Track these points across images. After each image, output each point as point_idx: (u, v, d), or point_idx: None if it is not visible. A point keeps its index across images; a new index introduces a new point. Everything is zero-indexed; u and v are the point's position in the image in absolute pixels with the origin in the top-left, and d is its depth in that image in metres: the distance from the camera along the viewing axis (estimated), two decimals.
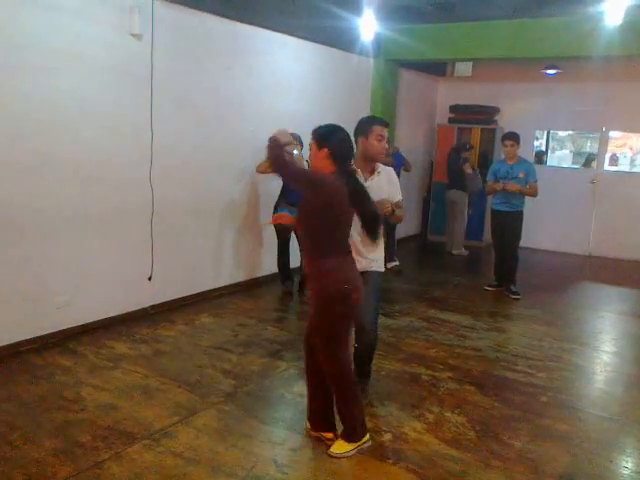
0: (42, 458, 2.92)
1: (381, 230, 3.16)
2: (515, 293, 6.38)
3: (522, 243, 6.56)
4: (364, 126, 3.52)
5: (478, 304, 6.12)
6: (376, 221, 3.04)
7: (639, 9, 5.87)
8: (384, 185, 3.57)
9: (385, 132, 3.51)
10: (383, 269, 3.69)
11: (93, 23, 4.39)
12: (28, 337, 4.25)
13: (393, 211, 3.46)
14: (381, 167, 3.62)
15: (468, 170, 8.39)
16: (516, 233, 6.39)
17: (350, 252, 3.09)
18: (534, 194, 6.23)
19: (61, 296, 4.44)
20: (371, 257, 3.56)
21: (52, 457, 2.93)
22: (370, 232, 3.03)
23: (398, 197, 3.64)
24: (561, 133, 9.88)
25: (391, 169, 3.72)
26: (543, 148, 9.70)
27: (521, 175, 6.21)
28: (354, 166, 3.28)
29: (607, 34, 6.03)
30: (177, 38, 5.09)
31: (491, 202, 6.69)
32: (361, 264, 3.43)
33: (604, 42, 6.17)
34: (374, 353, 3.80)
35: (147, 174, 4.93)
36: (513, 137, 6.27)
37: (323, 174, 2.93)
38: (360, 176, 3.36)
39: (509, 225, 6.36)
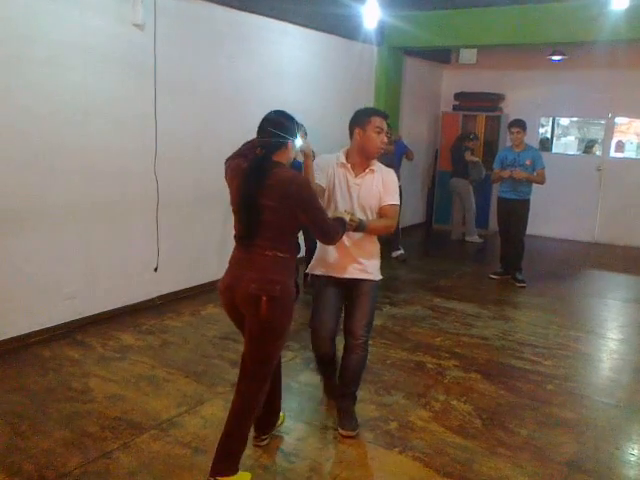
0: (51, 448, 2.95)
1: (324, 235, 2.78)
2: (521, 281, 6.37)
3: (528, 231, 6.52)
4: (361, 116, 3.15)
5: (484, 292, 6.11)
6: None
7: None
8: (377, 186, 3.14)
9: (384, 125, 3.14)
10: (378, 277, 3.27)
11: (95, 14, 4.38)
12: (36, 329, 4.28)
13: (357, 223, 2.96)
14: (378, 166, 3.20)
15: (469, 157, 8.36)
16: (522, 221, 6.37)
17: (239, 245, 2.70)
18: (542, 181, 6.21)
19: (68, 288, 4.47)
20: (365, 263, 3.19)
21: (61, 447, 2.96)
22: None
23: (390, 201, 3.15)
24: (566, 120, 9.81)
25: (392, 171, 3.26)
26: (548, 135, 9.64)
27: (528, 162, 6.19)
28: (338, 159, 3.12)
29: (613, 19, 5.97)
30: (180, 27, 5.07)
31: (497, 190, 6.67)
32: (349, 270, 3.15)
33: (610, 27, 6.10)
34: (362, 373, 3.34)
35: (152, 165, 4.93)
36: (519, 124, 6.24)
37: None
38: (349, 172, 3.13)
39: (515, 213, 6.34)
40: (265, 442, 3.06)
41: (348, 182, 3.13)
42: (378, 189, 3.14)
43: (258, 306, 2.56)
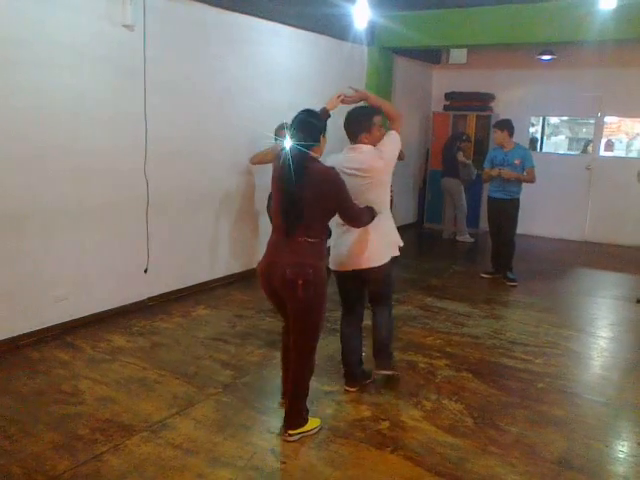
0: (41, 452, 2.93)
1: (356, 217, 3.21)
2: (512, 280, 6.40)
3: (518, 230, 6.57)
4: (364, 122, 3.40)
5: (475, 292, 6.13)
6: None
7: None
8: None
9: (380, 119, 3.47)
10: (383, 261, 3.50)
11: (85, 14, 4.36)
12: (26, 331, 4.25)
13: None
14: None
15: (461, 158, 8.38)
16: (512, 220, 6.41)
17: (276, 233, 3.05)
18: (532, 180, 6.25)
19: (58, 290, 4.44)
20: (371, 248, 3.44)
21: (51, 450, 2.94)
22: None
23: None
24: (556, 119, 9.86)
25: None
26: (537, 135, 9.69)
27: (517, 162, 6.23)
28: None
29: (601, 18, 6.02)
30: (169, 28, 5.05)
31: (487, 190, 6.70)
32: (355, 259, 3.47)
33: (598, 27, 6.15)
34: (392, 333, 3.88)
35: (142, 165, 4.91)
36: (500, 125, 6.34)
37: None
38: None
39: (505, 212, 6.37)
40: (294, 438, 3.11)
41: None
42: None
43: (295, 289, 2.91)
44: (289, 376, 3.17)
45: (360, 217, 3.24)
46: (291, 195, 2.90)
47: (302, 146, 2.93)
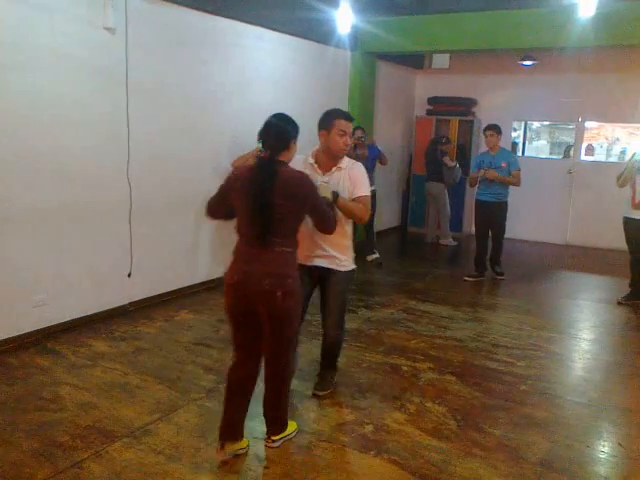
0: (19, 460, 2.88)
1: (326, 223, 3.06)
2: (500, 273, 6.75)
3: None
4: (327, 119, 3.32)
5: (458, 295, 6.16)
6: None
7: (611, 1, 5.95)
8: (344, 182, 3.33)
9: (349, 127, 3.31)
10: (351, 267, 3.50)
11: (65, 17, 4.31)
12: (4, 337, 4.17)
13: (333, 202, 3.14)
14: (346, 163, 3.38)
15: (449, 163, 8.42)
16: (501, 223, 6.63)
17: (246, 242, 2.91)
18: (517, 183, 6.45)
19: (38, 295, 4.37)
20: (334, 253, 3.41)
21: (30, 458, 2.89)
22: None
23: (360, 193, 3.32)
24: (538, 124, 9.97)
25: (359, 164, 3.45)
26: (519, 139, 9.79)
27: (504, 165, 6.44)
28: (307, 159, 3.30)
29: (580, 26, 6.10)
30: (151, 31, 5.02)
31: (475, 193, 6.82)
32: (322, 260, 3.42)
33: (577, 33, 6.23)
34: (339, 350, 3.77)
35: (124, 170, 4.87)
36: (493, 127, 6.52)
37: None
38: (316, 171, 3.32)
39: (494, 215, 6.57)
40: (277, 444, 3.09)
41: (317, 181, 3.19)
42: (346, 185, 3.32)
43: (274, 300, 2.80)
44: (267, 389, 3.07)
45: (332, 222, 3.09)
46: (263, 201, 2.76)
47: (272, 151, 2.83)
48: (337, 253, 3.42)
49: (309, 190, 2.88)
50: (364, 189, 3.35)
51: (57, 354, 4.16)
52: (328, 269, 3.44)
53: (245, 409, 3.02)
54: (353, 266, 3.54)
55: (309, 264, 3.41)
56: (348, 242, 3.50)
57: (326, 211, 3.02)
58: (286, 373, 3.08)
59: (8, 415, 3.30)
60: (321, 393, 3.65)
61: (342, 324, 3.63)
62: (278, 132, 2.86)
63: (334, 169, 3.35)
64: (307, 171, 3.18)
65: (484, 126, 6.81)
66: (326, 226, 3.08)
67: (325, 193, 3.10)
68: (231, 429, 2.96)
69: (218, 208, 3.10)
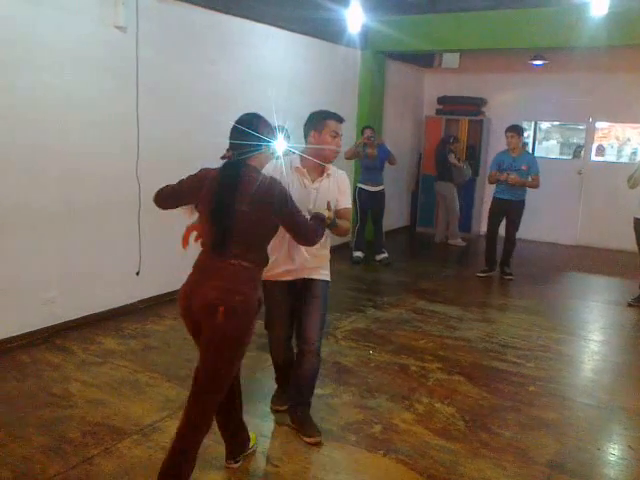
0: (30, 455, 2.90)
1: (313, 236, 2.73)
2: (509, 274, 6.72)
3: None
4: (317, 119, 3.07)
5: (467, 295, 6.14)
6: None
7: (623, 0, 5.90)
8: (333, 190, 3.09)
9: (340, 129, 3.06)
10: (329, 278, 3.22)
11: (77, 16, 4.34)
12: (15, 334, 4.21)
13: (332, 221, 2.86)
14: (333, 170, 3.12)
15: (453, 160, 8.41)
16: (516, 221, 6.67)
17: (206, 253, 2.62)
18: (537, 186, 6.50)
19: (49, 292, 4.40)
20: (314, 265, 3.13)
21: (41, 454, 2.91)
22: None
23: (346, 204, 3.12)
24: (547, 124, 9.91)
25: (344, 174, 3.21)
26: (529, 140, 9.72)
27: (524, 167, 6.44)
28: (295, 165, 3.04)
29: (592, 25, 6.06)
30: (162, 30, 5.04)
31: (493, 191, 6.82)
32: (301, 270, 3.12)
33: (589, 33, 6.19)
34: (315, 380, 3.29)
35: (134, 168, 4.88)
36: (514, 129, 6.50)
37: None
38: (305, 176, 3.05)
39: (511, 212, 6.63)
40: (238, 464, 2.88)
41: (306, 187, 3.04)
42: (335, 194, 3.08)
43: (213, 315, 2.41)
44: (179, 428, 2.56)
45: (316, 232, 2.72)
46: (221, 206, 2.47)
47: (237, 152, 2.56)
48: (318, 264, 3.15)
49: (279, 197, 2.52)
50: (349, 200, 3.17)
51: (67, 351, 4.19)
52: (310, 279, 3.15)
53: (226, 424, 2.81)
54: (329, 279, 3.24)
55: (290, 279, 3.14)
56: (327, 252, 3.22)
57: (304, 222, 2.65)
58: (201, 420, 2.54)
59: (20, 411, 3.32)
60: (320, 438, 3.14)
61: (322, 335, 3.23)
62: (244, 133, 2.56)
63: (324, 176, 3.09)
64: (294, 175, 3.04)
65: (506, 127, 6.63)
66: (304, 238, 2.72)
67: (327, 214, 2.83)
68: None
69: (174, 202, 2.84)
